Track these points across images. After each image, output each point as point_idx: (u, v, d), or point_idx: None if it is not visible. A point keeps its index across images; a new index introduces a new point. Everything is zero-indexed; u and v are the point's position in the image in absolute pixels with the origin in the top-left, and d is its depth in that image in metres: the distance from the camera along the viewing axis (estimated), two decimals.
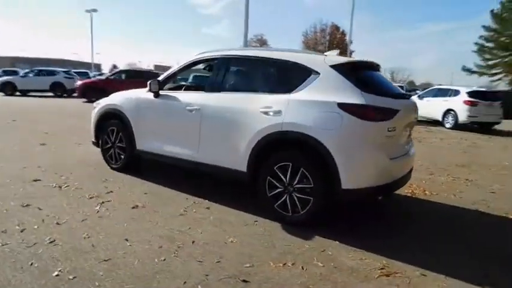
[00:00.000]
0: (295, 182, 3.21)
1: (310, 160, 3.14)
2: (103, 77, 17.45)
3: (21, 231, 2.88)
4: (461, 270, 2.66)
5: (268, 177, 3.36)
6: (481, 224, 3.69)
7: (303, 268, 2.57)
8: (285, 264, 2.61)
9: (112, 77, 15.86)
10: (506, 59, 33.66)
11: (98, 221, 3.17)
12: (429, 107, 13.41)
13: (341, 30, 39.15)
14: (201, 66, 4.73)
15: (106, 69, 56.37)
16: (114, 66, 55.52)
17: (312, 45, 39.15)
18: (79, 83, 15.93)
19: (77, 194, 3.81)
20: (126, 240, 2.84)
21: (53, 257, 2.51)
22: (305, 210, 3.19)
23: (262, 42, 56.32)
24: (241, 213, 3.52)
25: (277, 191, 3.33)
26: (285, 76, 3.47)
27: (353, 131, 2.99)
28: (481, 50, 35.34)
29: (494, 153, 8.22)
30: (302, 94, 3.23)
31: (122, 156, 4.65)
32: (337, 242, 3.00)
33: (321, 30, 39.64)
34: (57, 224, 3.06)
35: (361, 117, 2.96)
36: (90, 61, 37.84)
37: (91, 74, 26.61)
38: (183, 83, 6.46)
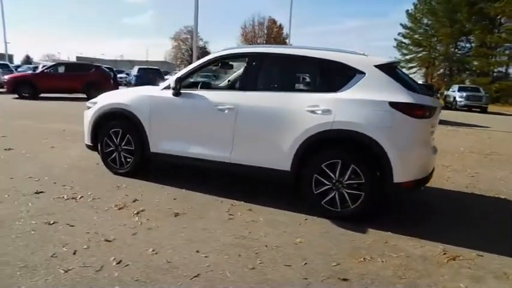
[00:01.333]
0: (345, 178, 3.31)
1: (361, 157, 3.26)
2: (37, 71, 15.49)
3: (74, 253, 2.52)
4: (504, 247, 3.02)
5: (315, 175, 3.41)
6: (489, 205, 4.20)
7: (382, 261, 2.69)
8: (364, 259, 2.70)
9: (48, 70, 14.15)
10: (420, 54, 37.94)
11: (150, 234, 2.90)
12: None
13: (278, 24, 40.32)
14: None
15: (18, 61, 49.97)
16: (28, 58, 49.62)
17: (251, 38, 39.56)
18: (6, 77, 13.92)
19: (100, 205, 3.42)
20: (198, 251, 2.66)
21: (137, 280, 2.26)
22: (355, 205, 3.31)
23: (193, 34, 55.01)
24: (286, 212, 3.51)
25: (324, 188, 3.40)
26: (329, 75, 3.52)
27: (404, 128, 3.17)
28: (399, 45, 39.24)
29: (445, 140, 9.27)
30: (350, 93, 3.32)
31: (130, 160, 4.27)
32: (390, 233, 3.18)
33: (259, 23, 40.27)
34: (107, 241, 2.74)
35: (411, 115, 3.16)
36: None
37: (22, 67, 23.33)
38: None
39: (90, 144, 4.53)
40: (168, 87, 3.99)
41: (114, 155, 4.37)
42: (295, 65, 3.71)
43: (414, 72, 39.56)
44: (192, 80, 4.41)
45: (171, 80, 4.00)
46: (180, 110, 3.93)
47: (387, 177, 3.19)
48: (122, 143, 4.28)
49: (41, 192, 3.68)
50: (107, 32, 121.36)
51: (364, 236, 3.10)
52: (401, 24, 38.18)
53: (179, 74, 4.03)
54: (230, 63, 4.47)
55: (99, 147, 4.47)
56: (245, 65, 3.77)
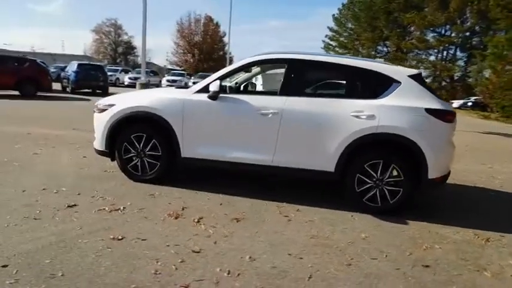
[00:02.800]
0: (386, 176, 3.66)
1: (401, 157, 3.64)
2: None
3: (176, 268, 2.42)
4: None
5: (358, 175, 3.70)
6: (488, 195, 4.93)
7: (439, 248, 3.08)
8: (426, 247, 3.06)
9: None
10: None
11: (230, 241, 2.89)
12: None
13: (215, 21, 39.93)
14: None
15: None
16: None
17: (188, 35, 38.57)
18: None
19: (152, 216, 3.25)
20: (290, 254, 2.75)
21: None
22: (394, 200, 3.68)
23: (116, 27, 51.71)
24: (330, 210, 3.73)
25: (366, 186, 3.71)
26: (370, 83, 3.82)
27: (437, 131, 3.62)
28: (326, 47, 41.83)
29: None
30: (389, 100, 3.67)
31: (155, 166, 4.08)
32: (425, 223, 3.61)
33: (195, 20, 39.31)
34: (196, 252, 2.66)
35: (442, 120, 3.62)
36: None
37: None
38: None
39: (103, 150, 4.20)
40: (203, 91, 3.91)
41: (135, 161, 4.12)
42: (337, 73, 3.94)
43: None
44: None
45: (203, 83, 3.94)
46: (219, 114, 3.88)
47: (423, 174, 3.62)
48: (145, 148, 4.06)
49: (74, 205, 3.35)
50: (8, 19, 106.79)
51: (408, 227, 3.49)
52: (328, 27, 40.89)
53: (214, 77, 3.96)
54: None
55: (116, 154, 4.17)
56: (285, 70, 3.88)
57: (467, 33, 35.11)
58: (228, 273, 2.41)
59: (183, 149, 3.98)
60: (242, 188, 4.17)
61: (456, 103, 29.93)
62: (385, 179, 3.66)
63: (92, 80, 15.87)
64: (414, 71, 3.88)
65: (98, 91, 16.41)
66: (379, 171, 3.65)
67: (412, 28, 37.04)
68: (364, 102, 3.68)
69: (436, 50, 35.72)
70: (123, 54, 54.62)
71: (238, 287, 2.28)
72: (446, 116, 3.65)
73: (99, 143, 4.22)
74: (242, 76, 5.15)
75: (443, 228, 3.51)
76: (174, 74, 27.01)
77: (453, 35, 34.19)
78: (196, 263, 2.52)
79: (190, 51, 38.08)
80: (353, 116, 3.63)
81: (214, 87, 3.74)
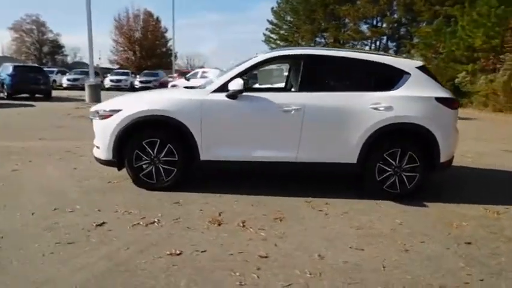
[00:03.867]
0: (404, 163, 3.88)
1: (417, 144, 3.87)
2: None
3: (259, 277, 2.33)
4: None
5: (378, 164, 3.87)
6: (472, 172, 5.40)
7: (467, 224, 3.35)
8: (457, 225, 3.31)
9: None
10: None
11: (291, 241, 2.85)
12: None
13: (155, 16, 38.03)
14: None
15: None
16: None
17: (127, 31, 36.26)
18: None
19: (194, 225, 3.08)
20: (351, 247, 2.80)
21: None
22: (412, 185, 3.92)
23: (39, 25, 47.37)
24: (354, 200, 3.83)
25: (386, 174, 3.90)
26: (384, 76, 3.97)
27: (446, 118, 3.91)
28: (267, 40, 42.42)
29: None
30: (402, 91, 3.87)
31: (172, 172, 3.87)
32: (440, 203, 3.89)
33: (134, 16, 36.99)
34: (266, 257, 2.59)
35: (450, 107, 3.92)
36: None
37: None
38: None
39: (110, 159, 3.87)
40: (219, 90, 3.78)
41: (149, 168, 3.87)
42: (354, 67, 4.02)
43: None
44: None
45: (219, 82, 3.81)
46: (240, 113, 3.77)
47: (436, 158, 3.90)
48: (160, 154, 3.83)
49: (103, 223, 3.06)
50: None
51: (429, 209, 3.74)
52: (268, 21, 41.45)
53: (231, 76, 3.83)
54: None
55: (126, 163, 3.87)
56: (302, 66, 3.89)
57: (395, 24, 37.85)
58: (310, 274, 2.39)
59: (202, 152, 3.81)
60: (261, 187, 4.13)
61: None
62: (403, 166, 3.87)
63: (31, 83, 14.29)
64: (419, 63, 4.13)
65: (38, 95, 14.87)
66: (397, 159, 3.86)
67: (347, 20, 39.08)
68: (380, 94, 3.85)
69: (369, 41, 38.21)
70: (50, 54, 50.10)
71: (328, 286, 2.28)
72: (452, 104, 3.96)
73: (104, 152, 3.88)
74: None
75: (457, 207, 3.82)
76: (117, 74, 25.31)
77: (384, 26, 36.77)
78: (272, 268, 2.46)
79: (131, 49, 35.98)
80: (372, 108, 3.77)
81: (236, 85, 3.63)
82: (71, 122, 9.06)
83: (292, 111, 3.74)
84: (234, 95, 3.72)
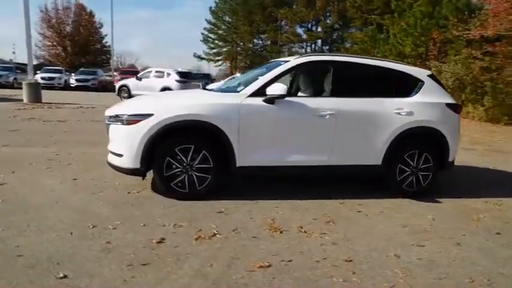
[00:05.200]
0: (421, 163, 4.22)
1: (431, 146, 4.24)
2: None
3: (361, 282, 2.40)
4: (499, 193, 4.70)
5: (399, 165, 4.16)
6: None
7: (484, 217, 3.77)
8: (478, 219, 3.72)
9: None
10: (225, 49, 42.03)
11: (359, 243, 2.94)
12: (147, 87, 14.71)
13: (88, 10, 34.75)
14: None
15: None
16: None
17: (56, 24, 32.56)
18: None
19: (257, 235, 3.01)
20: (413, 244, 2.98)
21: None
22: (426, 183, 4.28)
23: None
24: (384, 200, 4.03)
25: (405, 174, 4.20)
26: (403, 83, 4.25)
27: (454, 121, 4.35)
28: (206, 40, 42.01)
29: None
30: (419, 97, 4.20)
31: (206, 180, 3.70)
32: (450, 199, 4.30)
33: (64, 8, 33.28)
34: (350, 261, 2.65)
35: (456, 112, 4.37)
36: None
37: None
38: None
39: (137, 168, 3.57)
40: (255, 95, 3.72)
41: (181, 177, 3.65)
42: (378, 74, 4.22)
43: (220, 65, 43.60)
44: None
45: (254, 87, 3.75)
46: (278, 118, 3.75)
47: (446, 158, 4.32)
48: (194, 161, 3.64)
49: (163, 239, 2.82)
50: None
51: (446, 205, 4.11)
52: (206, 20, 41.03)
53: (265, 80, 3.78)
54: None
55: (156, 171, 3.61)
56: (332, 72, 4.00)
57: (329, 29, 40.24)
58: (402, 274, 2.51)
59: (238, 158, 3.71)
60: (288, 191, 4.17)
61: None
62: (419, 166, 4.21)
63: None
64: (429, 72, 4.53)
65: None
66: (415, 160, 4.18)
67: (283, 22, 40.46)
68: (401, 100, 4.13)
69: (306, 44, 40.03)
70: None
71: (425, 283, 2.42)
72: (458, 109, 4.42)
73: (129, 160, 3.57)
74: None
75: (466, 201, 4.25)
76: (48, 71, 22.59)
77: (319, 30, 38.84)
78: (365, 271, 2.52)
79: (61, 44, 32.45)
80: (396, 113, 4.04)
81: (278, 90, 3.60)
82: (22, 125, 8.01)
83: (327, 116, 3.83)
84: (271, 100, 3.69)
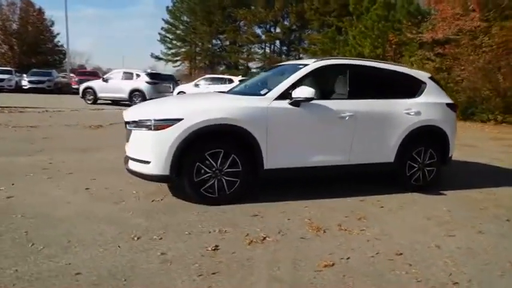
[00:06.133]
0: (426, 159, 4.52)
1: (435, 143, 4.56)
2: None
3: (419, 282, 2.55)
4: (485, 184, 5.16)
5: (408, 162, 4.43)
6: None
7: (486, 207, 4.15)
8: (483, 208, 4.07)
9: None
10: (184, 49, 41.27)
11: (400, 236, 3.11)
12: (115, 89, 14.22)
13: (37, 7, 31.99)
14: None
15: None
16: None
17: (2, 21, 29.56)
18: None
19: (314, 238, 3.06)
20: (454, 236, 3.21)
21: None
22: (431, 177, 4.60)
23: None
24: (397, 195, 4.24)
25: (413, 170, 4.48)
26: (409, 85, 4.51)
27: (453, 120, 4.70)
28: (163, 39, 40.95)
29: None
30: (423, 98, 4.49)
31: (236, 183, 3.69)
32: (451, 191, 4.63)
33: (9, 3, 30.28)
34: (400, 254, 2.79)
35: (454, 111, 4.74)
36: None
37: None
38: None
39: (166, 174, 3.47)
40: (280, 98, 3.77)
41: (212, 181, 3.60)
42: (389, 76, 4.44)
43: (179, 66, 42.71)
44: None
45: (279, 90, 3.80)
46: (303, 121, 3.82)
47: (447, 154, 4.67)
48: (224, 166, 3.61)
49: (217, 246, 2.78)
50: None
51: (449, 196, 4.43)
52: (163, 19, 39.97)
53: (289, 84, 3.84)
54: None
55: (186, 177, 3.53)
56: (349, 75, 4.15)
57: (286, 30, 41.03)
58: (452, 262, 2.70)
59: (266, 161, 3.74)
60: (309, 191, 4.26)
61: None
62: (425, 162, 4.52)
63: None
64: (429, 74, 4.85)
65: None
66: (422, 157, 4.48)
67: (242, 23, 40.58)
68: (409, 101, 4.40)
69: (265, 44, 40.48)
70: None
71: (474, 270, 2.63)
72: (455, 108, 4.78)
73: (157, 167, 3.46)
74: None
75: (465, 192, 4.61)
76: None
77: (278, 31, 39.46)
78: (420, 263, 2.68)
79: (7, 42, 29.59)
80: (406, 113, 4.30)
81: (305, 93, 3.66)
82: None
83: (347, 117, 3.98)
84: (297, 103, 3.76)
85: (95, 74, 22.52)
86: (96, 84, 14.08)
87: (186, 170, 3.51)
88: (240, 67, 41.61)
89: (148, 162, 3.50)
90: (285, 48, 42.57)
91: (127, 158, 3.82)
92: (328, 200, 4.00)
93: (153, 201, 3.71)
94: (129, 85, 13.58)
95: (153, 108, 3.84)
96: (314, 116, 3.88)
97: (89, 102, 14.08)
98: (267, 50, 41.56)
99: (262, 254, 2.71)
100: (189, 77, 38.56)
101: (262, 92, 3.93)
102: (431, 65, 18.46)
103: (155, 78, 14.11)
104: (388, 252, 2.83)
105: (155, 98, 14.08)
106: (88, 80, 16.89)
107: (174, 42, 40.89)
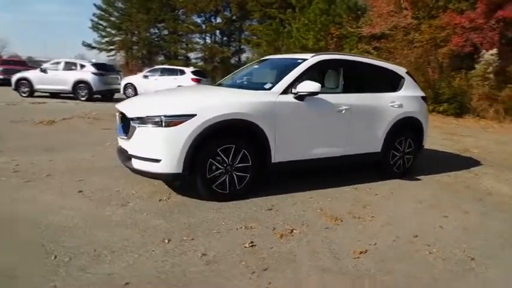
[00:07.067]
0: (406, 148, 4.94)
1: (413, 133, 4.98)
2: None
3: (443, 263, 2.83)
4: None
5: (392, 151, 4.80)
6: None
7: (469, 186, 4.69)
8: (456, 191, 4.60)
9: None
10: (119, 38, 38.69)
11: (410, 219, 3.39)
12: (56, 80, 12.80)
13: None
14: None
15: None
16: None
17: None
18: None
19: (334, 227, 3.20)
20: (447, 216, 3.58)
21: None
22: (408, 165, 5.03)
23: None
24: (383, 182, 4.58)
25: (396, 158, 4.87)
26: (392, 80, 4.84)
27: (426, 111, 5.17)
28: (95, 27, 37.95)
29: None
30: (403, 92, 4.88)
31: (246, 178, 3.68)
32: (424, 176, 5.15)
33: None
34: (416, 237, 3.06)
35: (426, 102, 5.21)
36: None
37: None
38: None
39: (179, 173, 3.36)
40: (285, 92, 3.83)
41: (223, 178, 3.56)
42: (376, 71, 4.71)
43: (114, 55, 39.95)
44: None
45: (283, 84, 3.85)
46: (307, 114, 3.91)
47: (421, 142, 5.14)
48: (235, 161, 3.59)
49: (252, 242, 2.79)
50: None
51: (425, 181, 4.89)
52: (95, 5, 36.89)
53: (292, 79, 3.90)
54: None
55: (199, 175, 3.44)
56: (343, 70, 4.33)
57: (227, 20, 40.60)
58: (460, 240, 3.04)
59: (274, 155, 3.79)
60: (303, 183, 4.39)
61: None
62: (405, 150, 4.93)
63: None
64: (405, 69, 5.25)
65: None
66: (403, 146, 4.88)
67: (181, 12, 39.27)
68: (392, 94, 4.75)
69: (205, 34, 39.65)
70: None
71: (483, 247, 2.99)
72: (426, 100, 5.26)
73: (169, 165, 3.33)
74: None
75: (435, 176, 5.13)
76: None
77: (219, 21, 38.86)
78: (436, 244, 2.97)
79: None
80: (391, 106, 4.64)
81: (312, 88, 3.75)
82: None
83: (343, 111, 4.18)
84: (302, 97, 3.85)
85: (22, 64, 20.15)
86: (32, 75, 12.62)
87: (199, 167, 3.41)
88: (179, 57, 40.41)
89: (158, 161, 3.33)
90: (225, 38, 42.19)
91: (128, 157, 3.58)
92: (328, 189, 4.18)
93: (160, 200, 3.55)
94: (72, 76, 12.42)
95: (160, 103, 3.64)
96: (316, 109, 4.00)
97: (24, 95, 12.62)
98: (208, 40, 40.81)
99: (299, 246, 2.78)
100: (125, 68, 36.46)
101: (266, 87, 3.94)
102: (370, 57, 19.73)
103: (102, 69, 13.10)
104: (405, 236, 3.08)
105: (102, 90, 13.37)
106: (14, 70, 15.14)
107: (108, 30, 38.10)
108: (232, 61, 44.13)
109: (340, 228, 3.16)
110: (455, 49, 15.52)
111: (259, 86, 4.10)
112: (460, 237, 3.12)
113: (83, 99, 12.68)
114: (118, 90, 14.60)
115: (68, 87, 12.51)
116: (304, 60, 4.17)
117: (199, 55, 41.10)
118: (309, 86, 3.78)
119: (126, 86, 15.31)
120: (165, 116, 3.30)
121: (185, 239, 2.78)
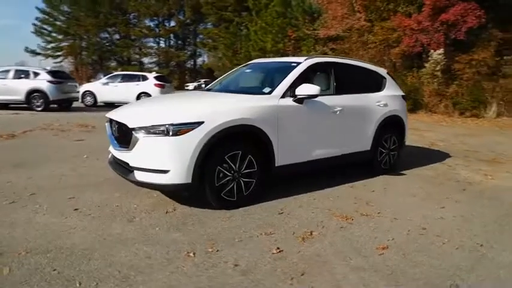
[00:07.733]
0: (391, 145, 5.18)
1: (397, 130, 5.24)
2: None
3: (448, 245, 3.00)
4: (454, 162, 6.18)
5: (379, 148, 5.02)
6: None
7: (458, 181, 5.01)
8: (441, 183, 4.91)
9: None
10: (67, 43, 36.58)
11: (406, 214, 3.55)
12: (5, 90, 11.89)
13: None
14: None
15: None
16: None
17: None
18: None
19: (349, 227, 3.26)
20: (444, 208, 3.80)
21: None
22: (393, 161, 5.28)
23: None
24: (375, 178, 4.77)
25: (383, 155, 5.09)
26: (375, 80, 5.04)
27: (405, 110, 5.47)
28: (39, 31, 35.59)
29: None
30: (386, 92, 5.12)
31: (252, 184, 3.65)
32: (408, 170, 5.46)
33: None
34: (424, 229, 3.22)
35: (405, 100, 5.51)
36: None
37: None
38: None
39: (188, 183, 3.25)
40: (284, 96, 3.86)
41: (231, 185, 3.50)
42: (363, 73, 4.87)
43: (61, 61, 37.68)
44: None
45: (282, 88, 3.88)
46: (307, 117, 3.97)
47: (403, 139, 5.42)
48: (242, 167, 3.55)
49: (279, 248, 2.77)
50: None
51: (411, 175, 5.15)
52: (37, 8, 34.53)
53: (289, 82, 3.93)
54: None
55: (207, 183, 3.36)
56: (334, 72, 4.45)
57: (181, 24, 40.07)
58: (463, 228, 3.25)
59: (277, 159, 3.80)
60: (298, 185, 4.44)
61: (191, 85, 34.14)
62: (390, 147, 5.17)
63: None
64: (386, 70, 5.50)
65: None
66: (389, 143, 5.12)
67: (132, 15, 38.09)
68: (377, 94, 4.96)
69: (159, 38, 38.73)
70: None
71: (485, 233, 3.22)
72: (405, 98, 5.56)
73: (178, 175, 3.22)
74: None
75: (416, 170, 5.44)
76: None
77: (173, 25, 38.18)
78: (445, 234, 3.15)
79: None
80: (377, 105, 4.85)
81: (311, 91, 3.81)
82: None
83: (338, 112, 4.30)
84: (301, 100, 3.90)
85: None
86: None
87: (208, 175, 3.33)
88: (133, 62, 39.10)
89: (166, 172, 3.20)
90: (180, 42, 41.58)
91: (129, 169, 3.40)
92: (326, 190, 4.27)
93: (167, 212, 3.41)
94: (26, 85, 11.49)
95: (165, 111, 3.49)
96: (314, 111, 4.07)
97: None
98: (162, 44, 39.92)
99: (323, 247, 2.81)
100: (75, 74, 34.67)
101: (266, 91, 3.94)
102: None
103: (58, 76, 12.26)
104: (415, 229, 3.23)
105: (59, 99, 12.50)
106: None
107: (54, 35, 35.87)
108: (188, 65, 43.58)
109: (354, 227, 3.24)
110: (406, 49, 16.48)
111: (257, 91, 4.09)
112: (462, 226, 3.33)
113: (38, 109, 11.81)
114: (76, 99, 13.77)
115: (20, 97, 11.59)
116: (299, 63, 4.22)
117: (154, 60, 40.19)
118: (308, 89, 3.83)
119: (84, 94, 14.49)
120: (172, 124, 3.18)
121: (210, 250, 2.70)
